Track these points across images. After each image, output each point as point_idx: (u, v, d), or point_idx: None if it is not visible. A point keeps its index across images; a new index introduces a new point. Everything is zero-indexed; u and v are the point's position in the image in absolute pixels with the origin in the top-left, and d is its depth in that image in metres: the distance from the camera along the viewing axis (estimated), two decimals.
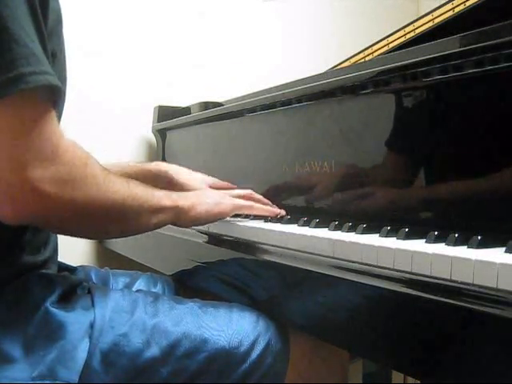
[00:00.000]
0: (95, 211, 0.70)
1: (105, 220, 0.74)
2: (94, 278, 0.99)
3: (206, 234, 1.03)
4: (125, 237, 0.84)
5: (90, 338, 0.71)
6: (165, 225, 0.84)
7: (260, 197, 1.02)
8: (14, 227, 0.69)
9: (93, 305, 0.75)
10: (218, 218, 0.92)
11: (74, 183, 0.66)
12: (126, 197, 0.74)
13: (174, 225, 0.86)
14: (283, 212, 0.99)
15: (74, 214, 0.69)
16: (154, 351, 0.73)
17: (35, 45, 0.63)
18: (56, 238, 0.86)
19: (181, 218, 0.85)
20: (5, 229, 0.68)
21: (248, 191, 1.01)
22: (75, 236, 0.77)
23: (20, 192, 0.63)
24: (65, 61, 0.79)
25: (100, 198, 0.70)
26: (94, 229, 0.76)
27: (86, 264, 1.28)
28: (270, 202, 1.02)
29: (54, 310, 0.71)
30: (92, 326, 0.72)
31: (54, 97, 0.66)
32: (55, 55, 0.73)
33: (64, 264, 0.93)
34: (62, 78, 0.78)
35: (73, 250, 0.88)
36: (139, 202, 0.76)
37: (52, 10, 0.70)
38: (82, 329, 0.71)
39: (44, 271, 0.80)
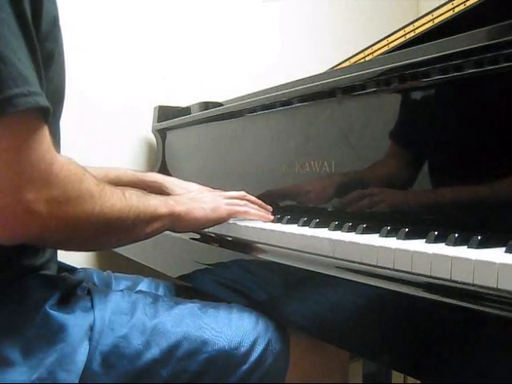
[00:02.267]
0: (91, 227, 0.70)
1: (99, 234, 0.73)
2: (95, 280, 0.99)
3: (205, 234, 1.03)
4: (120, 246, 0.84)
5: (90, 340, 0.71)
6: (161, 231, 0.84)
7: (253, 198, 1.01)
8: None
9: (92, 307, 0.75)
10: (214, 223, 0.92)
11: (68, 202, 0.66)
12: (122, 209, 0.73)
13: (171, 230, 0.86)
14: (271, 217, 0.99)
15: (70, 232, 0.68)
16: (153, 353, 0.73)
17: (23, 64, 0.62)
18: None
19: (177, 223, 0.85)
20: None
21: (241, 193, 1.01)
22: (68, 250, 0.77)
23: (14, 214, 0.62)
24: (63, 63, 0.78)
25: (95, 214, 0.69)
26: (90, 243, 0.76)
27: (87, 266, 1.28)
28: (263, 203, 1.02)
29: (53, 312, 0.71)
30: (92, 328, 0.72)
31: (44, 116, 0.65)
32: (52, 58, 0.72)
33: (64, 264, 0.93)
34: (61, 80, 0.78)
35: (74, 252, 0.88)
36: (135, 213, 0.76)
37: (46, 12, 0.68)
38: (81, 331, 0.71)
39: (43, 272, 0.80)
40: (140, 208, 0.77)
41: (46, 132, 0.65)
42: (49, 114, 0.65)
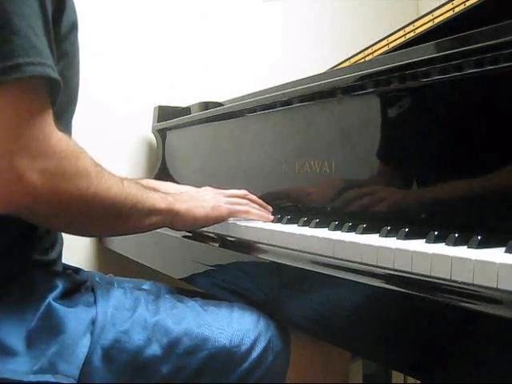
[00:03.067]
0: (83, 206, 0.70)
1: (93, 216, 0.73)
2: (98, 281, 0.99)
3: (205, 234, 1.03)
4: (115, 236, 0.84)
5: (92, 334, 0.71)
6: (159, 227, 0.84)
7: (254, 197, 1.01)
8: (26, 226, 0.69)
9: (95, 302, 0.75)
10: (214, 222, 0.92)
11: (63, 175, 0.66)
12: (119, 195, 0.73)
13: (170, 228, 0.86)
14: (271, 217, 0.99)
15: (61, 207, 0.68)
16: (154, 349, 0.73)
17: (38, 39, 0.64)
18: (62, 240, 0.86)
19: (176, 221, 0.85)
20: (17, 226, 0.69)
21: (243, 191, 1.01)
22: (62, 231, 0.77)
23: (6, 182, 0.63)
24: (78, 67, 0.79)
25: (90, 194, 0.69)
26: (81, 225, 0.75)
27: (88, 269, 1.28)
28: (264, 203, 1.02)
29: (56, 305, 0.72)
30: (93, 322, 0.72)
31: (52, 89, 0.66)
32: (66, 57, 0.74)
33: (67, 265, 0.93)
34: (76, 82, 0.80)
35: (74, 251, 0.88)
36: (132, 201, 0.76)
37: (67, 16, 0.71)
38: (83, 325, 0.72)
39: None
40: (138, 198, 0.77)
41: (49, 104, 0.66)
42: (58, 88, 0.66)
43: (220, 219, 0.92)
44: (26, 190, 0.64)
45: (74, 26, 0.75)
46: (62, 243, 0.86)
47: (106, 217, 0.75)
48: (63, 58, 0.72)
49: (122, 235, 0.82)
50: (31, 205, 0.66)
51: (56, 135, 0.66)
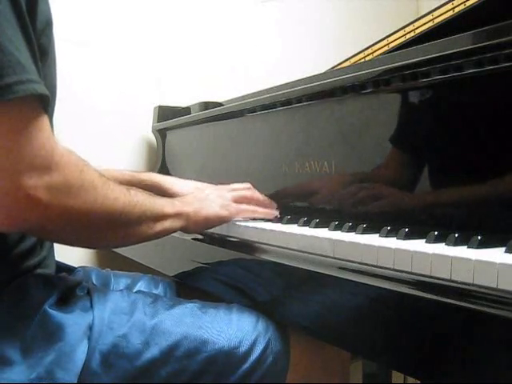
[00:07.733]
0: (92, 219, 0.69)
1: (103, 228, 0.72)
2: (94, 279, 0.99)
3: (206, 234, 1.03)
4: (128, 245, 0.82)
5: (89, 339, 0.71)
6: (171, 232, 0.83)
7: (257, 193, 1.01)
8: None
9: (91, 306, 0.75)
10: (223, 222, 0.92)
11: (69, 190, 0.66)
12: (127, 205, 0.73)
13: (183, 231, 0.86)
14: (277, 212, 0.99)
15: (70, 221, 0.68)
16: (153, 352, 0.73)
17: (21, 53, 0.63)
18: None
19: (187, 224, 0.85)
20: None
21: (246, 185, 1.01)
22: (73, 245, 0.76)
23: (14, 200, 0.62)
24: (55, 63, 0.78)
25: (97, 206, 0.69)
26: (92, 237, 0.74)
27: (86, 264, 1.28)
28: (266, 199, 1.02)
29: (52, 311, 0.71)
30: (91, 327, 0.72)
31: (43, 104, 0.65)
32: (47, 54, 0.73)
33: (63, 264, 0.93)
34: (54, 79, 0.78)
35: (72, 250, 0.87)
36: (141, 209, 0.75)
37: (41, 11, 0.69)
38: (80, 330, 0.71)
39: (42, 271, 0.80)
40: (146, 205, 0.77)
41: (45, 120, 0.65)
42: (48, 103, 0.66)
43: (229, 219, 0.93)
44: (35, 208, 0.63)
45: (48, 20, 0.73)
46: None
47: (118, 227, 0.74)
48: (43, 55, 0.71)
49: (133, 244, 0.81)
50: (41, 222, 0.66)
51: (58, 150, 0.65)
